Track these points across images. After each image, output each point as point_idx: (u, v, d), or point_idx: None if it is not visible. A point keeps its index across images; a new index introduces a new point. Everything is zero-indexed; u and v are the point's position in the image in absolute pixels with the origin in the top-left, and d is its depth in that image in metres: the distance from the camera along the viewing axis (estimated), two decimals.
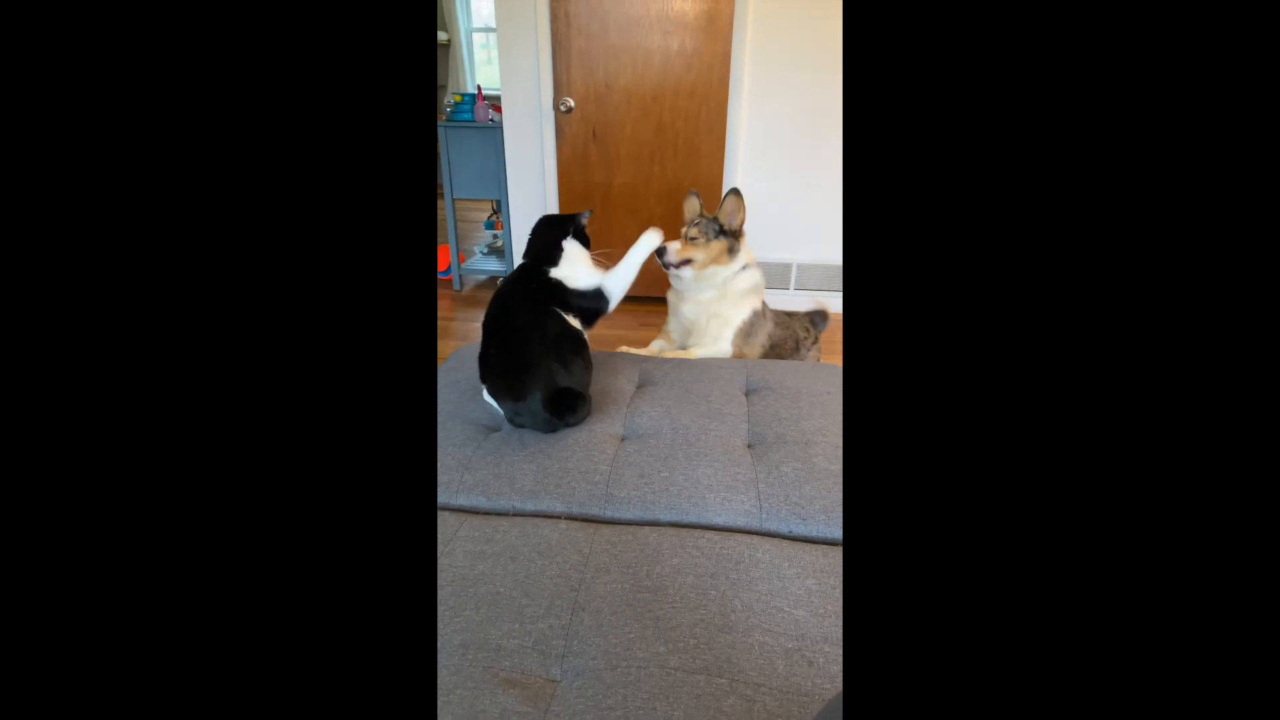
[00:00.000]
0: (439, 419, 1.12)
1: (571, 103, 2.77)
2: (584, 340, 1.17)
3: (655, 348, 1.72)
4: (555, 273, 1.22)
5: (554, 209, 2.94)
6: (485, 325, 1.16)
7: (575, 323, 1.18)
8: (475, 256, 3.47)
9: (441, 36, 5.42)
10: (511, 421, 1.10)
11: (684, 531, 0.88)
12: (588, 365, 1.15)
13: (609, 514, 0.94)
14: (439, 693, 0.63)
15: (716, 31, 2.63)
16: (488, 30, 5.66)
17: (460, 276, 3.30)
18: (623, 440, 1.11)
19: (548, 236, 1.28)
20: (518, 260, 1.37)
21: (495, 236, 3.63)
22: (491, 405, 1.14)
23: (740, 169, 2.83)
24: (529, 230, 1.32)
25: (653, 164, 2.86)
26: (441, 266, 3.34)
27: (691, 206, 1.69)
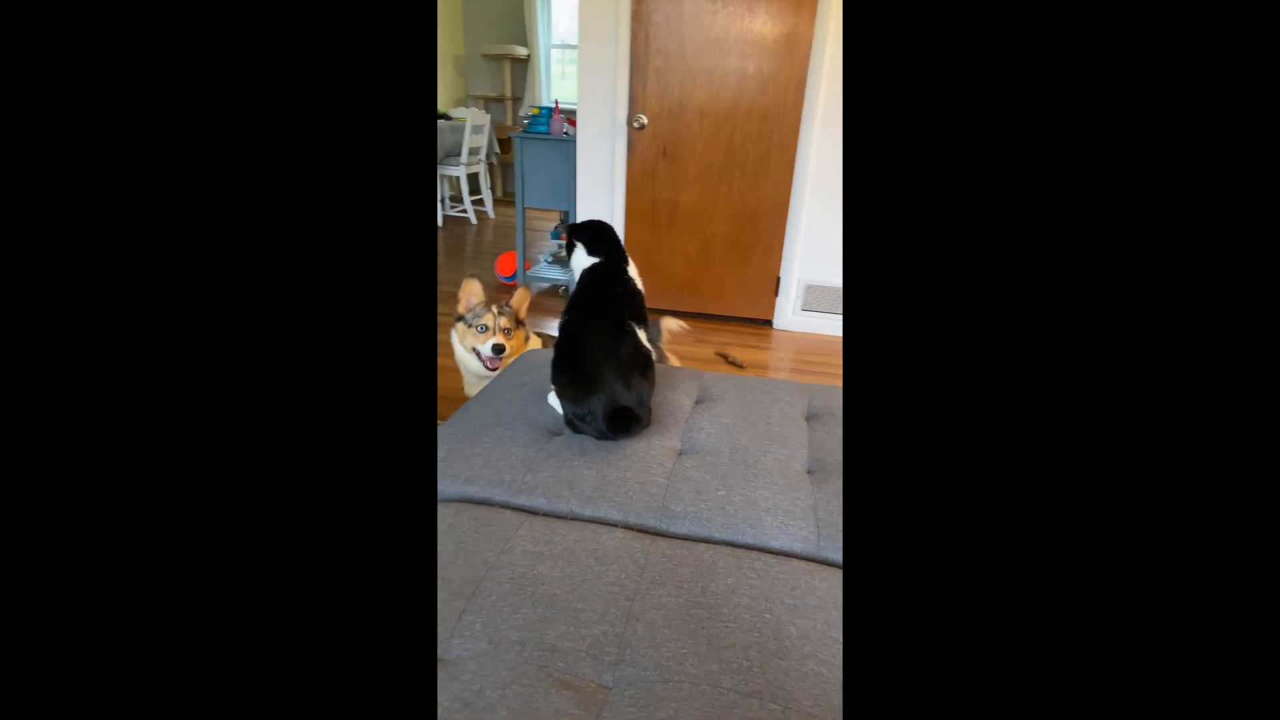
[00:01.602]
0: (505, 419, 1.15)
1: (645, 119, 2.82)
2: (651, 361, 1.18)
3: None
4: (630, 270, 1.25)
5: (620, 222, 2.99)
6: (564, 326, 1.18)
7: (646, 341, 1.19)
8: (540, 264, 3.56)
9: (521, 51, 5.63)
10: (569, 423, 1.12)
11: (739, 552, 0.87)
12: (651, 386, 1.16)
13: (665, 527, 0.95)
14: (496, 686, 0.65)
15: (794, 55, 2.63)
16: (564, 47, 5.84)
17: (526, 283, 3.39)
18: (680, 454, 1.11)
19: (611, 235, 1.31)
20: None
21: (560, 246, 3.72)
22: (555, 407, 1.17)
23: (808, 192, 2.81)
24: (570, 234, 1.34)
25: (720, 183, 2.88)
26: (508, 272, 3.44)
27: (476, 292, 1.74)
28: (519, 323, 1.72)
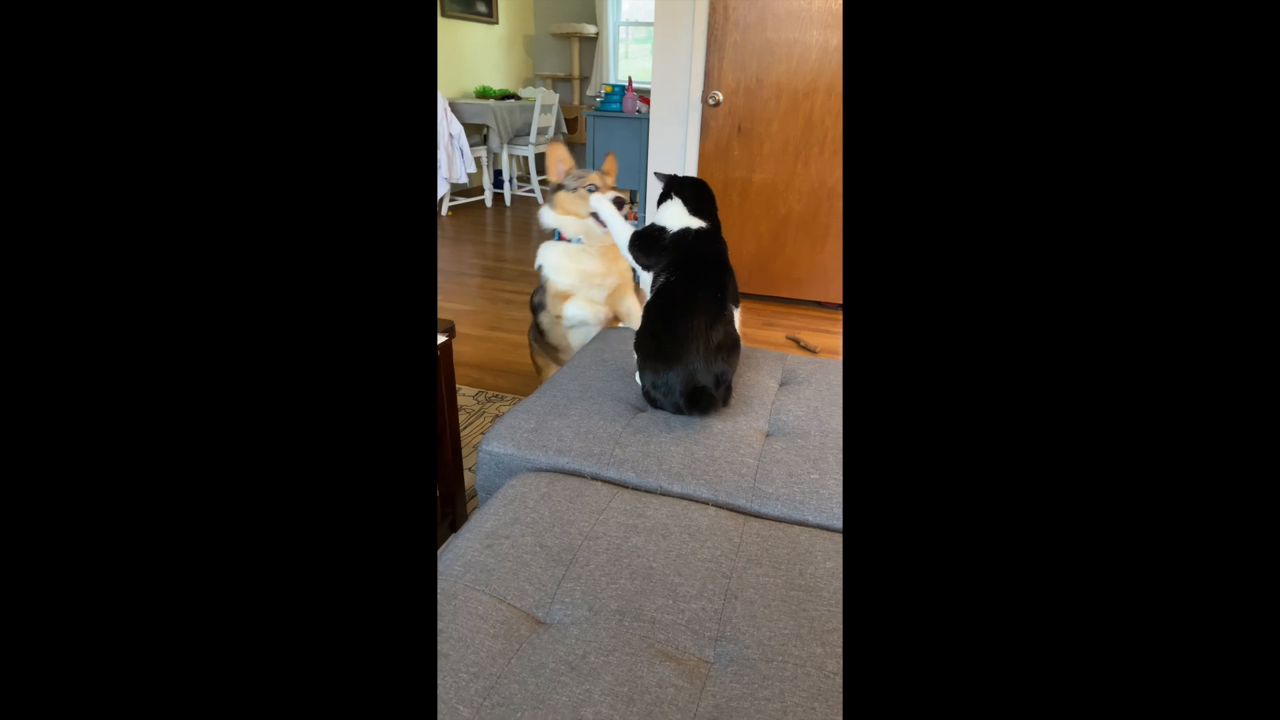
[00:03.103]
0: (591, 394, 1.16)
1: (720, 96, 2.76)
2: (739, 347, 1.15)
3: (574, 318, 1.56)
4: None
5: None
6: (664, 287, 1.13)
7: (738, 323, 1.15)
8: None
9: (590, 29, 5.60)
10: (646, 395, 1.11)
11: (836, 536, 0.85)
12: (732, 370, 1.13)
13: (756, 508, 0.93)
14: (599, 652, 0.66)
15: None
16: (633, 24, 5.78)
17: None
18: (768, 436, 1.09)
19: (713, 199, 1.25)
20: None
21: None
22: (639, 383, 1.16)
23: None
24: (669, 185, 1.26)
25: (796, 161, 2.79)
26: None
27: (564, 157, 1.54)
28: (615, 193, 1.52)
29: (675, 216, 1.23)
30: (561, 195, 1.50)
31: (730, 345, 1.11)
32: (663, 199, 1.27)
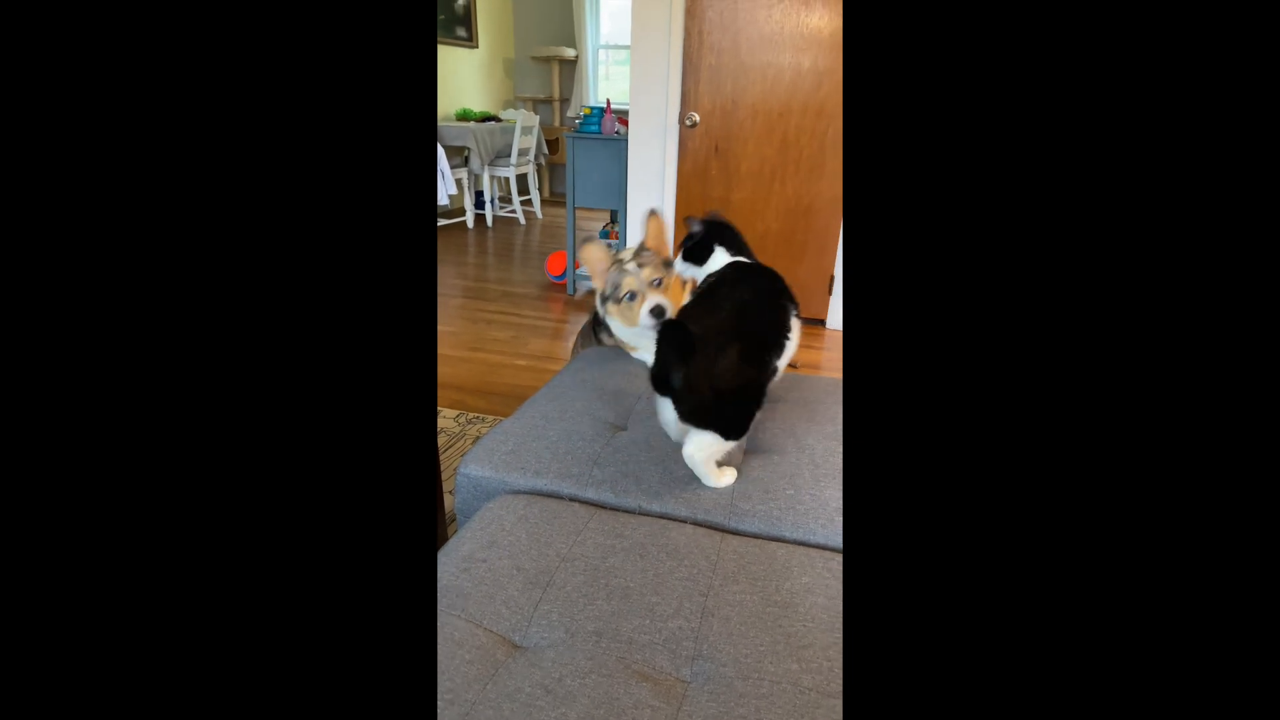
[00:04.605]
0: (570, 415, 1.17)
1: (697, 117, 2.81)
2: (762, 398, 0.98)
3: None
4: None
5: (671, 220, 2.99)
6: (742, 302, 0.98)
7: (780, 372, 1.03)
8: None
9: (570, 52, 5.68)
10: (655, 378, 0.93)
11: (812, 551, 0.86)
12: (748, 417, 0.98)
13: (733, 524, 0.94)
14: (576, 675, 0.66)
15: None
16: (612, 47, 5.87)
17: (574, 282, 3.42)
18: (745, 453, 1.10)
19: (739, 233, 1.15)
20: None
21: (610, 246, 3.74)
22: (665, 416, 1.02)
23: None
24: (716, 231, 1.14)
25: (773, 181, 2.85)
26: (557, 271, 3.48)
27: (598, 258, 1.28)
28: (666, 263, 1.25)
29: (718, 264, 1.12)
30: (611, 308, 1.27)
31: (757, 393, 0.95)
32: (701, 250, 1.12)
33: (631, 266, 1.22)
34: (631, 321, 1.23)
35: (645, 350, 1.31)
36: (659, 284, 1.22)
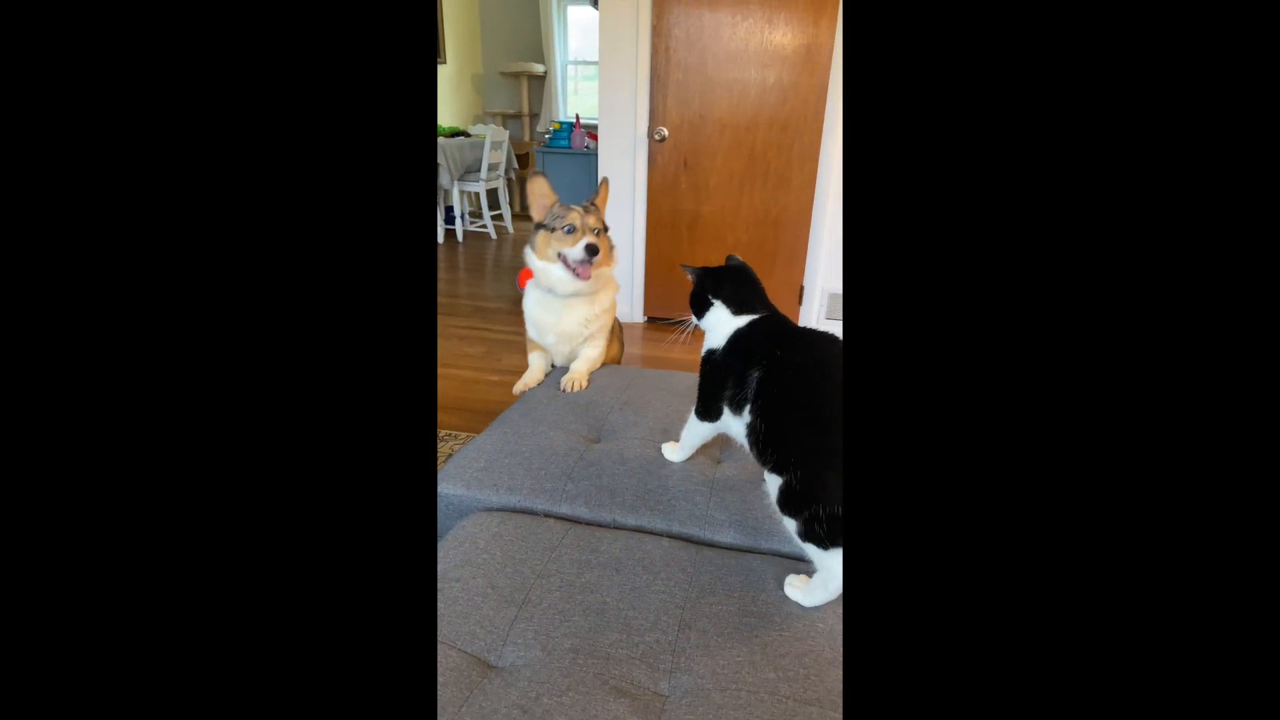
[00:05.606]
0: (543, 429, 1.16)
1: (665, 132, 2.84)
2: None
3: (540, 366, 1.52)
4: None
5: (641, 233, 3.00)
6: (767, 371, 0.84)
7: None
8: None
9: (539, 68, 5.71)
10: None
11: (788, 562, 0.87)
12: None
13: (709, 536, 0.94)
14: (552, 693, 0.65)
15: (815, 65, 2.64)
16: (580, 63, 5.92)
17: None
18: (719, 463, 1.11)
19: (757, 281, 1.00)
20: None
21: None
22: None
23: (831, 200, 2.81)
24: (701, 282, 0.98)
25: (741, 193, 2.89)
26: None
27: (545, 192, 1.39)
28: (605, 226, 1.41)
29: (719, 322, 0.95)
30: (541, 236, 1.37)
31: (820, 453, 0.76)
32: (701, 303, 0.97)
33: (578, 208, 1.37)
34: (553, 252, 1.37)
35: (549, 282, 1.41)
36: (597, 234, 1.37)
